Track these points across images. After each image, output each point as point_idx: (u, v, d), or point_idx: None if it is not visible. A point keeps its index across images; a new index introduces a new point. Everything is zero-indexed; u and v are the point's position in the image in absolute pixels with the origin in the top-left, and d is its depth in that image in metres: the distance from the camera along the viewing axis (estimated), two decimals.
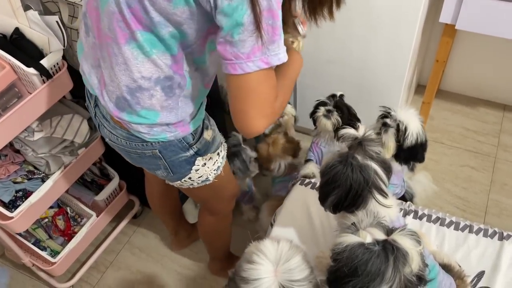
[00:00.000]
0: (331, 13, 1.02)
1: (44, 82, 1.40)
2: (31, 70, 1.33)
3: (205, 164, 1.22)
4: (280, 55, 0.89)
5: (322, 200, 1.09)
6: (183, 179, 1.23)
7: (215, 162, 1.25)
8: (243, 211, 2.05)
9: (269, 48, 0.86)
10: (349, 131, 1.07)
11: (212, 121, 1.26)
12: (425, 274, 0.90)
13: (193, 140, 1.16)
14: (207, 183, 1.27)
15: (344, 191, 1.02)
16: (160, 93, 1.03)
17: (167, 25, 0.92)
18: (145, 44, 0.95)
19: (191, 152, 1.17)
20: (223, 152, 1.29)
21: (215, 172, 1.26)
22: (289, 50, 0.94)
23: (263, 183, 2.16)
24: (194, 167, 1.20)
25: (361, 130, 1.07)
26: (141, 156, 1.18)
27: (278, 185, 1.91)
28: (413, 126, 1.48)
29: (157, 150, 1.14)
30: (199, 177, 1.24)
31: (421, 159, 1.54)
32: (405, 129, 1.47)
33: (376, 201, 1.03)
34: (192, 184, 1.26)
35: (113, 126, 1.15)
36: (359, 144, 1.03)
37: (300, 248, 0.91)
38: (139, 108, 1.05)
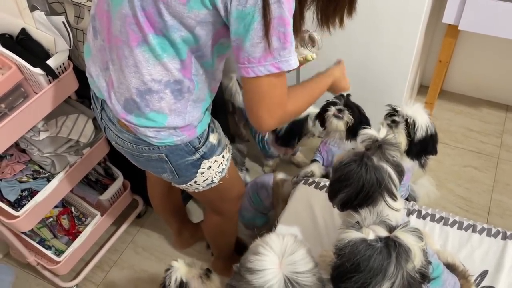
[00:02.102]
0: (342, 21, 1.06)
1: (50, 82, 1.41)
2: (38, 70, 1.34)
3: (210, 167, 1.22)
4: (290, 61, 0.92)
5: (332, 196, 1.09)
6: (188, 183, 1.24)
7: (220, 164, 1.25)
8: None
9: (281, 54, 0.90)
10: (369, 131, 1.07)
11: (217, 124, 1.27)
12: (428, 271, 0.91)
13: (200, 143, 1.16)
14: (212, 185, 1.27)
15: (356, 190, 1.02)
16: (170, 96, 1.04)
17: (180, 29, 0.93)
18: (156, 47, 0.96)
19: (197, 155, 1.17)
20: (228, 154, 1.29)
21: (220, 174, 1.26)
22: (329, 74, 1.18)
23: None
24: (199, 170, 1.21)
25: (383, 133, 1.07)
26: (148, 160, 1.19)
27: None
28: (421, 119, 1.49)
29: (163, 154, 1.15)
30: (204, 180, 1.24)
31: (433, 152, 1.55)
32: (414, 123, 1.48)
33: (386, 203, 1.03)
34: (197, 188, 1.27)
35: (120, 129, 1.15)
36: (379, 146, 1.03)
37: (305, 243, 0.92)
38: (148, 111, 1.05)
